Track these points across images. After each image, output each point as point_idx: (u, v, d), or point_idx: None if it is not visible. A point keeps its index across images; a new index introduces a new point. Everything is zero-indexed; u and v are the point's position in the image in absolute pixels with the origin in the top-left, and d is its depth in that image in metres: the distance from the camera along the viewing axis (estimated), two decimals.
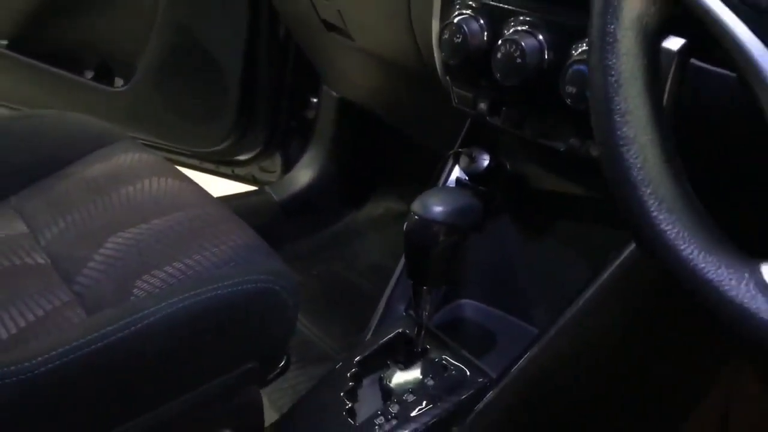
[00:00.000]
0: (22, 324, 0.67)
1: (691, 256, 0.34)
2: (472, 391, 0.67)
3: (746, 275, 0.32)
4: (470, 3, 0.68)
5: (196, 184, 0.88)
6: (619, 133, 0.37)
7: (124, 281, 0.69)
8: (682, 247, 0.34)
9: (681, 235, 0.34)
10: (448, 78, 0.73)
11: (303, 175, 1.47)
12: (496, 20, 0.65)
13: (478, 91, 0.70)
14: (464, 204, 0.68)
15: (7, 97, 1.68)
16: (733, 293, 0.32)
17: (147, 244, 0.74)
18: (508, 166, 0.75)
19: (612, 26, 0.37)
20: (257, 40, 1.40)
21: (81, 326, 0.64)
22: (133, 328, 0.60)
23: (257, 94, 1.46)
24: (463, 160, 0.74)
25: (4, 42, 1.62)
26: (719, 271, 0.33)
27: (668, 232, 0.35)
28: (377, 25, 0.90)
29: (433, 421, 0.64)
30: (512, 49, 0.61)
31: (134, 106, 1.52)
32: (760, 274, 0.32)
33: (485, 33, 0.65)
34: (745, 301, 0.32)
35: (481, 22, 0.66)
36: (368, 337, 0.76)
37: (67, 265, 0.74)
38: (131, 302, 0.66)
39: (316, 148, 1.47)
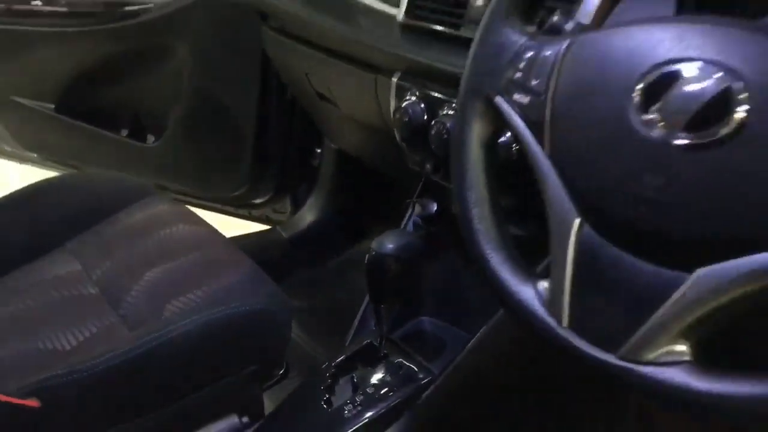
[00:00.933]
0: (81, 339, 0.89)
1: (503, 276, 0.55)
2: (419, 384, 0.87)
3: (532, 289, 0.53)
4: (416, 92, 0.90)
5: (213, 228, 1.11)
6: (467, 196, 0.58)
7: (157, 305, 0.91)
8: (499, 271, 0.55)
9: (498, 263, 0.55)
10: (403, 144, 0.95)
11: (309, 215, 1.69)
12: (433, 105, 0.87)
13: (423, 156, 0.92)
14: (409, 241, 0.89)
15: (55, 153, 1.94)
16: (523, 301, 0.53)
17: (173, 277, 0.97)
18: (453, 210, 0.96)
19: (464, 136, 0.59)
20: (268, 101, 1.63)
21: (124, 339, 0.86)
22: (163, 338, 0.82)
23: (269, 147, 1.69)
24: (417, 207, 0.96)
25: (52, 106, 1.88)
26: (518, 287, 0.54)
27: (492, 261, 0.56)
28: (355, 100, 1.13)
29: (388, 406, 0.85)
30: (441, 128, 0.82)
31: (164, 159, 1.76)
32: (537, 287, 0.53)
33: (425, 115, 0.88)
34: (530, 306, 0.53)
35: (422, 106, 0.88)
36: (346, 345, 0.97)
37: (114, 295, 0.96)
38: (162, 320, 0.88)
39: (320, 191, 1.70)
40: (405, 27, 0.95)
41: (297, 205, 1.76)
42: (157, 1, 1.63)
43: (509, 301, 0.54)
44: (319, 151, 1.72)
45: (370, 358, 0.93)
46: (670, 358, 0.46)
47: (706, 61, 0.45)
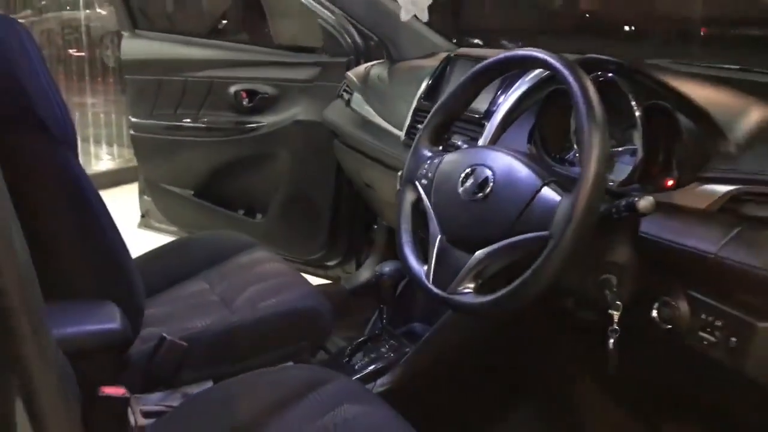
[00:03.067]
0: (207, 322, 1.52)
1: (410, 264, 1.14)
2: (400, 354, 1.44)
3: (421, 268, 1.12)
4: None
5: (292, 268, 1.73)
6: (401, 228, 1.18)
7: (252, 304, 1.53)
8: (408, 261, 1.14)
9: (409, 258, 1.14)
10: None
11: (365, 273, 2.30)
12: None
13: None
14: (397, 267, 1.49)
15: (192, 226, 2.67)
16: (417, 274, 1.12)
17: (263, 291, 1.59)
18: None
19: (402, 199, 1.20)
20: (339, 190, 2.29)
21: (229, 319, 1.49)
22: (251, 318, 1.44)
23: (340, 224, 2.34)
24: None
25: (191, 192, 2.63)
26: (416, 268, 1.13)
27: (407, 258, 1.14)
28: (385, 188, 1.76)
29: (380, 365, 1.42)
30: None
31: (267, 230, 2.44)
32: (423, 268, 1.12)
33: None
34: (419, 276, 1.11)
35: None
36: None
37: (227, 300, 1.59)
38: (254, 310, 1.50)
39: (375, 255, 2.31)
40: (405, 144, 1.58)
41: (359, 265, 2.38)
42: (268, 121, 2.36)
43: (412, 275, 1.12)
44: (375, 226, 2.34)
45: (375, 341, 1.51)
46: (465, 291, 1.02)
47: (482, 165, 1.05)
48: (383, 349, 1.49)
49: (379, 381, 1.42)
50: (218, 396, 1.19)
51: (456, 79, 1.40)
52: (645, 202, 0.93)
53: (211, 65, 2.46)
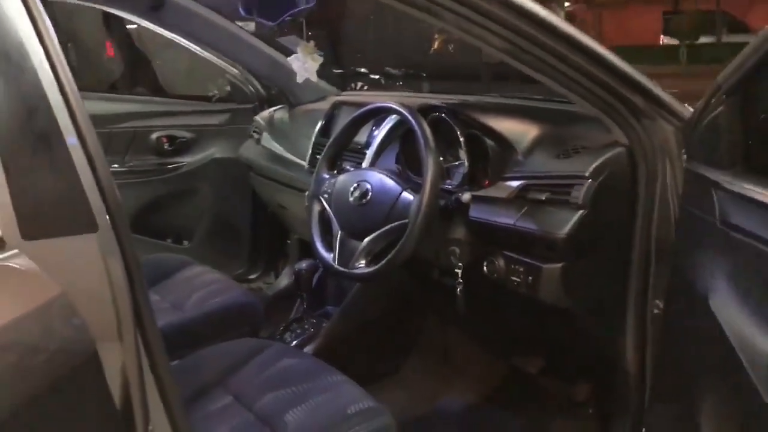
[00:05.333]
0: (163, 323, 1.93)
1: (320, 251, 1.62)
2: (317, 329, 1.92)
3: (329, 254, 1.60)
4: None
5: (227, 278, 2.16)
6: (313, 229, 1.66)
7: (199, 304, 1.95)
8: (319, 250, 1.62)
9: (320, 248, 1.63)
10: None
11: (284, 281, 2.75)
12: None
13: None
14: (314, 263, 1.97)
15: None
16: (326, 259, 1.60)
17: (205, 294, 2.02)
18: None
19: (311, 210, 1.68)
20: (256, 215, 2.75)
21: (182, 318, 1.91)
22: (201, 314, 1.87)
23: (258, 243, 2.79)
24: None
25: None
26: (325, 254, 1.61)
27: (319, 248, 1.63)
28: (297, 208, 2.23)
29: (305, 337, 1.89)
30: None
31: (194, 254, 2.84)
32: (330, 254, 1.60)
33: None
34: (328, 260, 1.60)
35: None
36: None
37: (178, 305, 2.01)
38: (202, 308, 1.92)
39: (291, 266, 2.77)
40: (308, 171, 2.07)
41: (276, 276, 2.84)
42: (188, 161, 2.79)
43: (323, 261, 1.61)
44: (289, 241, 2.81)
45: (299, 322, 1.98)
46: (359, 266, 1.52)
47: (363, 181, 1.56)
48: (306, 327, 1.97)
49: (306, 349, 1.89)
50: (182, 366, 1.58)
51: (342, 120, 1.91)
52: (466, 196, 1.47)
53: (133, 117, 2.85)
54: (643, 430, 1.46)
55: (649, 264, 1.42)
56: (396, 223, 1.47)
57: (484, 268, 1.56)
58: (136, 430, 0.90)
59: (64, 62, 0.86)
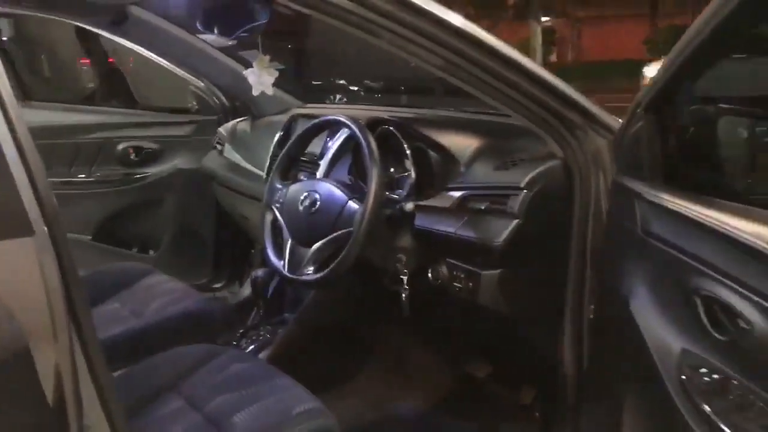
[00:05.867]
0: (123, 329, 1.96)
1: (272, 259, 1.67)
2: (273, 336, 1.96)
3: (279, 262, 1.65)
4: None
5: (188, 286, 2.20)
6: (266, 234, 1.71)
7: (158, 311, 1.99)
8: (271, 257, 1.67)
9: (271, 254, 1.67)
10: None
11: (248, 290, 2.79)
12: None
13: None
14: (268, 271, 2.02)
15: (93, 265, 3.05)
16: (277, 266, 1.65)
17: (165, 302, 2.05)
18: None
19: (264, 219, 1.73)
20: (220, 224, 2.79)
21: (141, 324, 1.94)
22: (160, 320, 1.91)
23: (222, 253, 2.83)
24: None
25: (89, 237, 3.01)
26: (276, 261, 1.66)
27: (270, 255, 1.68)
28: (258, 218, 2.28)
29: (261, 342, 1.93)
30: None
31: (159, 263, 2.87)
32: (281, 262, 1.65)
33: None
34: (279, 267, 1.64)
35: None
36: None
37: (135, 310, 2.05)
38: (160, 315, 1.96)
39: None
40: (266, 179, 2.12)
41: (241, 285, 2.87)
42: (153, 171, 2.82)
43: (274, 267, 1.66)
44: (253, 251, 2.85)
45: (255, 329, 2.03)
46: (308, 272, 1.57)
47: (312, 191, 1.61)
48: (262, 333, 2.01)
49: (261, 355, 1.94)
50: (136, 371, 1.62)
51: (298, 132, 1.96)
52: (409, 205, 1.53)
53: (101, 128, 2.88)
54: None
55: (585, 272, 1.49)
56: (341, 231, 1.52)
57: (429, 274, 1.62)
58: (69, 429, 0.94)
59: (1, 70, 0.91)
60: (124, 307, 2.10)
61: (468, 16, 1.36)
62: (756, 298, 0.89)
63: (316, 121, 1.73)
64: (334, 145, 1.88)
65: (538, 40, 15.25)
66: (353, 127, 1.60)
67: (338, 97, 2.78)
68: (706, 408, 0.94)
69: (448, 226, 1.54)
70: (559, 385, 1.58)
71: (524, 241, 1.46)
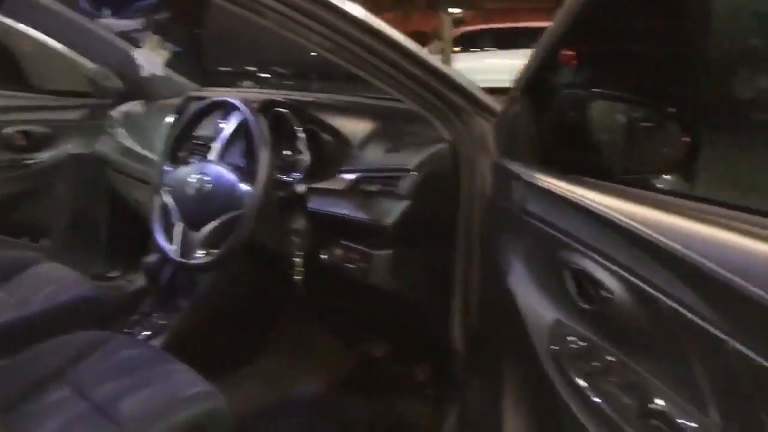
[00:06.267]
0: (5, 319, 1.88)
1: (162, 243, 1.64)
2: (167, 323, 1.93)
3: (170, 247, 1.62)
4: None
5: (77, 273, 2.13)
6: (155, 221, 1.68)
7: (46, 299, 1.91)
8: (160, 241, 1.64)
9: (161, 239, 1.64)
10: None
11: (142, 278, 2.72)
12: None
13: None
14: (157, 260, 1.98)
15: None
16: (167, 250, 1.62)
17: (54, 290, 1.98)
18: None
19: (155, 202, 1.70)
20: (115, 209, 2.71)
21: (26, 313, 1.87)
22: (46, 308, 1.84)
23: (117, 239, 2.75)
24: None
25: None
26: (167, 246, 1.63)
27: (159, 240, 1.65)
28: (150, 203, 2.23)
29: (147, 334, 1.90)
30: None
31: (52, 253, 2.76)
32: (171, 246, 1.62)
33: None
34: (170, 251, 1.62)
35: None
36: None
37: (24, 301, 1.96)
38: (47, 303, 1.89)
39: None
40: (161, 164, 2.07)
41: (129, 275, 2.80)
42: (44, 157, 2.70)
43: (165, 253, 1.63)
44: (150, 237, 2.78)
45: (148, 316, 1.99)
46: (199, 256, 1.55)
47: (202, 173, 1.59)
48: (155, 320, 1.97)
49: (154, 342, 1.90)
50: (19, 360, 1.56)
51: (187, 115, 1.93)
52: (301, 188, 1.54)
53: None
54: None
55: (472, 251, 1.54)
56: (232, 213, 1.51)
57: (323, 256, 1.63)
58: None
59: None
60: (11, 296, 2.01)
61: (380, 6, 1.37)
62: (615, 268, 0.95)
63: (206, 102, 1.71)
64: (228, 127, 1.85)
65: (448, 30, 15.46)
66: (242, 108, 1.59)
67: (247, 83, 2.75)
68: (574, 373, 0.99)
69: (341, 208, 1.56)
70: (451, 362, 1.63)
71: (414, 222, 1.50)
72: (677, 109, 1.22)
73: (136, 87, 2.50)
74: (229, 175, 1.57)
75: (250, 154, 1.78)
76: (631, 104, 1.26)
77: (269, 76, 2.84)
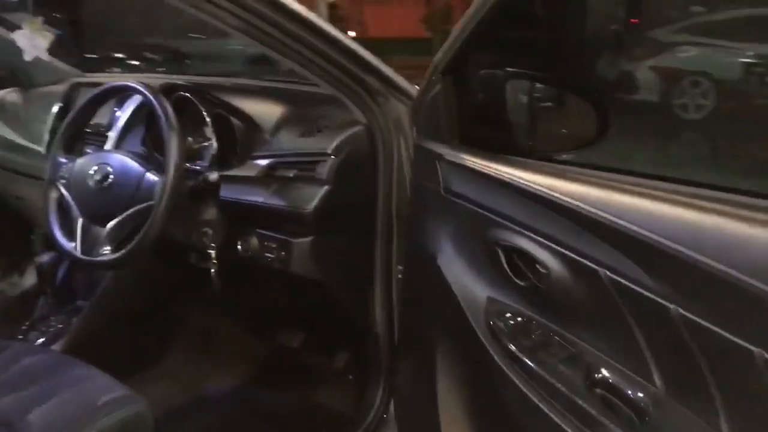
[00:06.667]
0: None
1: (61, 241, 1.52)
2: (66, 326, 1.80)
3: (69, 244, 1.51)
4: None
5: None
6: (49, 216, 1.55)
7: None
8: (58, 239, 1.52)
9: (59, 236, 1.52)
10: None
11: (28, 280, 2.53)
12: None
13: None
14: (53, 257, 1.84)
15: None
16: (67, 248, 1.51)
17: None
18: None
19: (46, 199, 1.57)
20: None
21: None
22: None
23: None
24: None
25: None
26: (66, 244, 1.51)
27: (57, 236, 1.52)
28: (36, 198, 2.06)
29: (45, 339, 1.76)
30: None
31: None
32: (71, 244, 1.51)
33: None
34: (70, 249, 1.50)
35: None
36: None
37: None
38: None
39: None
40: (46, 157, 1.91)
41: (22, 274, 2.59)
42: None
43: (65, 251, 1.51)
44: (32, 236, 2.57)
45: (44, 320, 1.84)
46: (104, 253, 1.45)
47: (104, 164, 1.48)
48: (53, 324, 1.83)
49: (54, 347, 1.76)
50: None
51: (81, 102, 1.79)
52: (213, 176, 1.47)
53: None
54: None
55: (392, 234, 1.54)
56: (141, 205, 1.42)
57: (239, 246, 1.57)
58: None
59: None
60: None
61: None
62: (549, 244, 0.97)
63: (104, 87, 1.58)
64: (124, 114, 1.74)
65: (323, 15, 15.38)
66: (146, 92, 1.49)
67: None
68: (514, 347, 1.01)
69: (256, 196, 1.51)
70: (372, 347, 1.63)
71: (334, 207, 1.48)
72: (584, 88, 1.27)
73: (12, 73, 2.29)
74: (134, 165, 1.47)
75: (154, 142, 1.69)
76: (544, 84, 1.29)
77: (146, 63, 2.70)
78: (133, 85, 1.53)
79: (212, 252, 1.54)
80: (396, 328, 1.60)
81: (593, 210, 0.88)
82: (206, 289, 1.59)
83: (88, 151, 1.69)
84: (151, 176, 1.44)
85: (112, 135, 1.72)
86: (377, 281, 1.57)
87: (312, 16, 1.35)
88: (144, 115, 1.73)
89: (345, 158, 1.47)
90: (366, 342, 1.64)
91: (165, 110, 1.44)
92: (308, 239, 1.49)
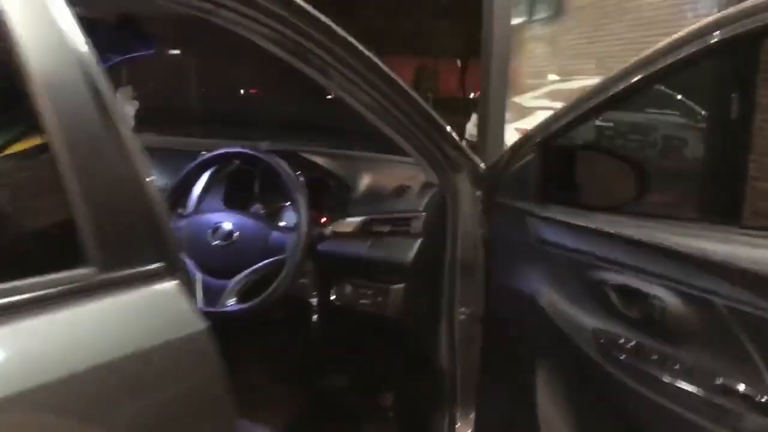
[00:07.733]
0: None
1: None
2: None
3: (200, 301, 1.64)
4: None
5: None
6: None
7: None
8: None
9: None
10: None
11: None
12: None
13: None
14: None
15: None
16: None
17: None
18: None
19: None
20: None
21: None
22: None
23: None
24: None
25: None
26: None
27: None
28: None
29: None
30: None
31: None
32: None
33: None
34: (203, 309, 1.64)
35: None
36: None
37: None
38: None
39: None
40: None
41: None
42: None
43: None
44: None
45: None
46: (230, 303, 1.60)
47: (224, 222, 1.64)
48: None
49: None
50: None
51: (187, 167, 1.87)
52: (329, 231, 1.67)
53: None
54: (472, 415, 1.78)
55: (455, 278, 1.78)
56: (272, 258, 1.59)
57: (333, 295, 1.76)
58: None
59: None
60: None
61: None
62: (662, 281, 1.24)
63: (212, 155, 1.75)
64: (202, 177, 1.89)
65: None
66: (265, 157, 1.67)
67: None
68: (629, 361, 1.22)
69: (355, 249, 1.71)
70: (431, 381, 1.82)
71: (424, 257, 1.71)
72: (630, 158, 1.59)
73: None
74: (257, 224, 1.65)
75: (240, 201, 1.84)
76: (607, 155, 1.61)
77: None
78: (251, 152, 1.71)
79: (313, 300, 1.72)
80: (459, 362, 1.81)
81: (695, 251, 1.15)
82: (307, 336, 1.74)
83: (184, 212, 1.82)
84: (278, 234, 1.62)
85: (193, 196, 1.86)
86: (443, 319, 1.79)
87: (407, 87, 1.56)
88: (223, 178, 1.88)
89: (430, 215, 1.72)
90: (428, 378, 1.84)
91: (290, 175, 1.63)
92: (402, 286, 1.71)
